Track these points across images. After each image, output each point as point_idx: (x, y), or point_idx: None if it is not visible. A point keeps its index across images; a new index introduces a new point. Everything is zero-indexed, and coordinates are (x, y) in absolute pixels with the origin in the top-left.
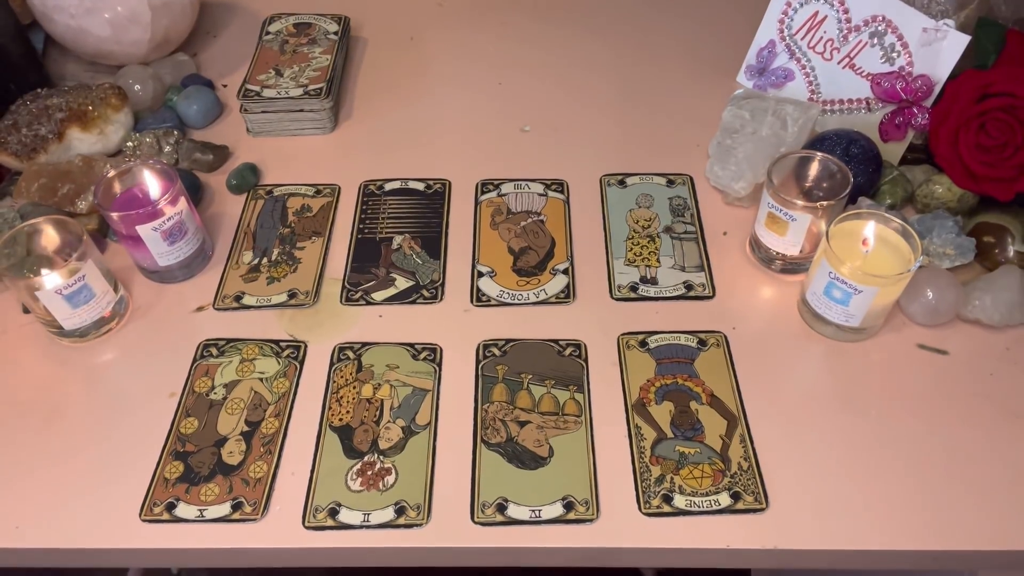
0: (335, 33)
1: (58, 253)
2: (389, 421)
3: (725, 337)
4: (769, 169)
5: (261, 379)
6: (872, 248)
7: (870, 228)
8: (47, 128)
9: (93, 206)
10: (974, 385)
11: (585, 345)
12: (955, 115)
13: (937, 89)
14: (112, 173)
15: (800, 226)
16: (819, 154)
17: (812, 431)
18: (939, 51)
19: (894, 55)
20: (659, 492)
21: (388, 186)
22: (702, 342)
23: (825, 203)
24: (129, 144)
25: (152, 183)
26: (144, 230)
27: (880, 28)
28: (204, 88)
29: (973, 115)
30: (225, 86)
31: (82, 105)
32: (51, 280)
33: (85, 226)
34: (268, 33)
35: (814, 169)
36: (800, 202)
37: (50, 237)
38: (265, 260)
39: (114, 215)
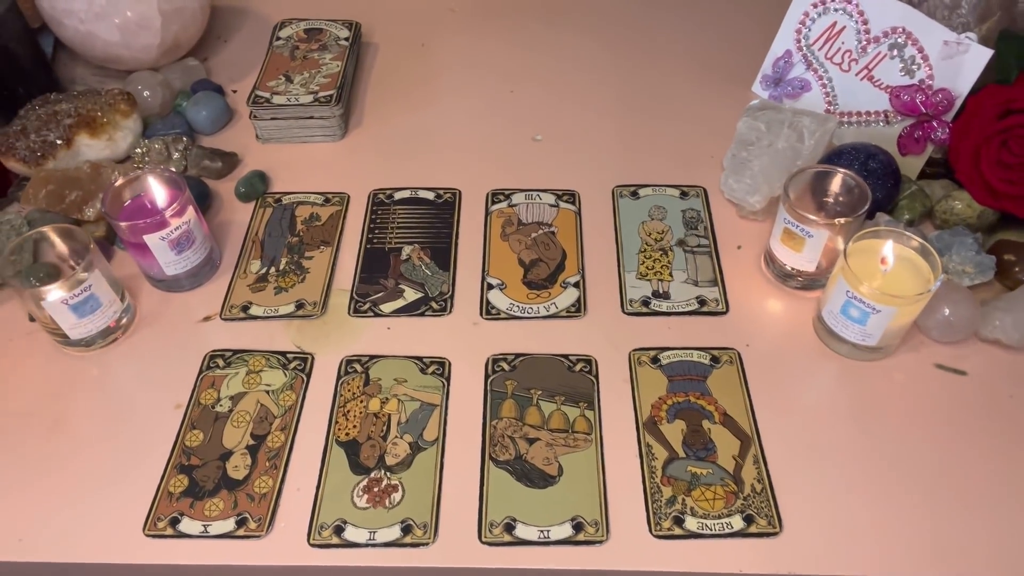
0: (346, 39)
1: (64, 261)
2: (396, 436)
3: (739, 354)
4: (786, 184)
5: (267, 391)
6: (891, 267)
7: (889, 247)
8: (56, 134)
9: (100, 214)
10: (993, 407)
11: (596, 361)
12: (976, 131)
13: (958, 103)
14: (120, 181)
15: (817, 242)
16: (838, 169)
17: (827, 453)
18: (961, 65)
19: (914, 68)
20: (670, 514)
21: (398, 195)
22: (715, 359)
23: (843, 220)
24: (138, 151)
25: (160, 192)
26: (152, 239)
27: (900, 40)
28: (213, 94)
29: (995, 132)
30: (235, 91)
31: (91, 111)
32: (57, 290)
33: (92, 233)
34: (278, 38)
35: (831, 184)
36: (818, 218)
37: (57, 245)
38: (273, 269)
39: (122, 224)
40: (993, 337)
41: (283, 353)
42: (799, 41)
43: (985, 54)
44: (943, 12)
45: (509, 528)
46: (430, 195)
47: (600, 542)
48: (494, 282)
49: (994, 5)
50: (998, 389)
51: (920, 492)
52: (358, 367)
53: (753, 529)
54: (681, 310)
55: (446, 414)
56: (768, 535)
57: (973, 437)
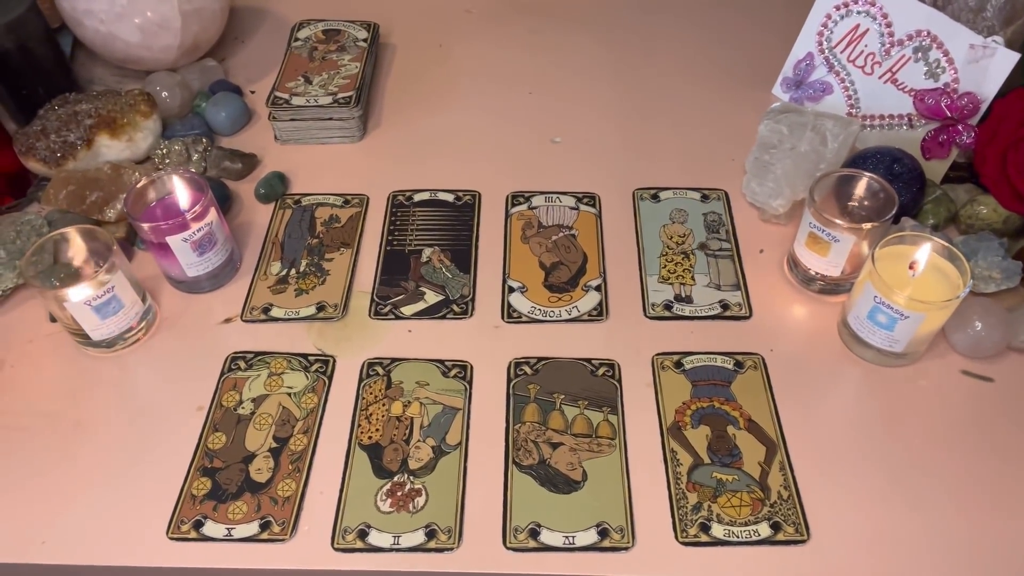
0: (364, 40)
1: (86, 262)
2: (419, 440)
3: (763, 359)
4: (812, 188)
5: (289, 394)
6: (920, 272)
7: (923, 252)
8: (76, 134)
9: (121, 214)
10: (1020, 414)
11: (619, 365)
12: (1003, 136)
13: (984, 107)
14: (143, 182)
15: (843, 247)
16: (864, 173)
17: (854, 459)
18: (986, 68)
19: (939, 71)
20: (696, 520)
21: (417, 197)
22: (739, 364)
23: (870, 225)
24: (158, 152)
25: (182, 193)
26: (174, 241)
27: (925, 43)
28: (232, 95)
29: (1023, 136)
30: (253, 92)
31: (111, 112)
32: (80, 291)
33: (113, 234)
34: (297, 39)
35: (856, 188)
36: (845, 223)
37: (78, 246)
38: (293, 271)
39: (144, 226)
40: None
41: (305, 355)
42: (821, 43)
43: (1012, 58)
44: (968, 15)
45: (534, 534)
46: (449, 197)
47: (626, 548)
48: (515, 285)
49: (1020, 8)
50: None
51: (948, 500)
52: (380, 370)
53: (780, 537)
54: (704, 314)
55: (469, 418)
56: (796, 543)
57: (1001, 444)
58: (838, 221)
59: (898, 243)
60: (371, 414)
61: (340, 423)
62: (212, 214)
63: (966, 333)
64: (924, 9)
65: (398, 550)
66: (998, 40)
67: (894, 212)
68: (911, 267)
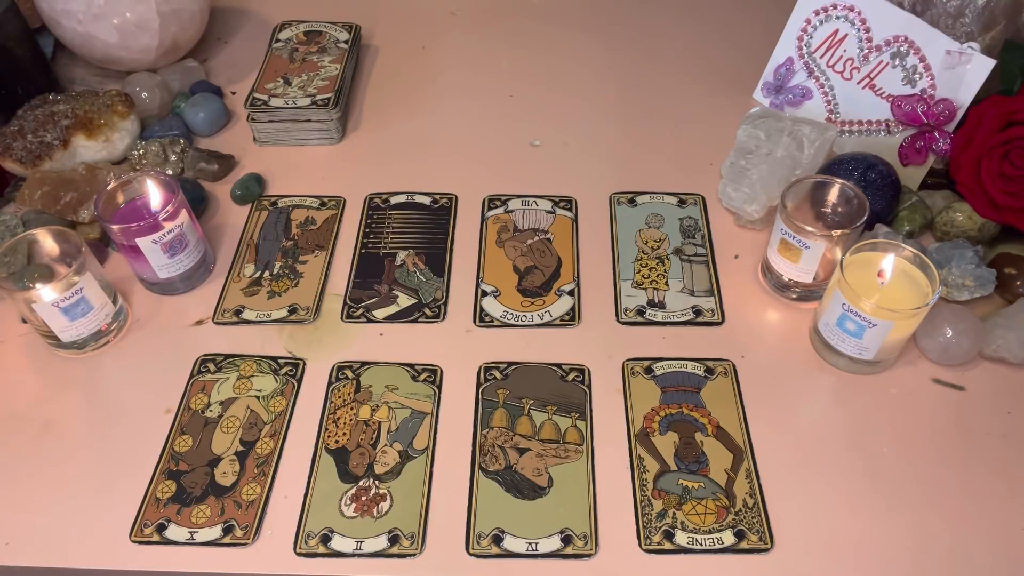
0: (345, 42)
1: (58, 263)
2: (386, 444)
3: (733, 366)
4: (783, 194)
5: (258, 397)
6: (888, 281)
7: (888, 261)
8: (53, 135)
9: (94, 216)
10: (990, 423)
11: (589, 370)
12: (978, 142)
13: (960, 114)
14: (113, 184)
15: (814, 253)
16: (836, 180)
17: (821, 468)
18: (963, 75)
19: (916, 77)
20: (660, 528)
21: (394, 199)
22: (709, 370)
23: (840, 232)
24: (135, 152)
25: (154, 195)
26: (144, 243)
27: (902, 49)
28: (211, 96)
29: (997, 143)
30: (234, 93)
31: (88, 112)
32: (48, 292)
33: (87, 235)
34: (278, 40)
35: (830, 194)
36: (814, 230)
37: (50, 247)
38: (267, 273)
39: (114, 227)
40: (998, 356)
41: (275, 358)
42: (801, 48)
43: (987, 64)
44: (947, 21)
45: (497, 540)
46: (426, 200)
47: (589, 555)
48: (488, 289)
49: (998, 15)
50: (996, 405)
51: (915, 509)
52: (349, 373)
53: (744, 545)
54: (676, 320)
55: (436, 422)
56: (759, 551)
57: (971, 453)
58: (808, 227)
59: (869, 250)
60: (339, 418)
61: (307, 427)
62: (183, 215)
63: (936, 340)
64: (902, 15)
65: (360, 555)
66: (974, 46)
67: (865, 219)
68: (879, 275)
